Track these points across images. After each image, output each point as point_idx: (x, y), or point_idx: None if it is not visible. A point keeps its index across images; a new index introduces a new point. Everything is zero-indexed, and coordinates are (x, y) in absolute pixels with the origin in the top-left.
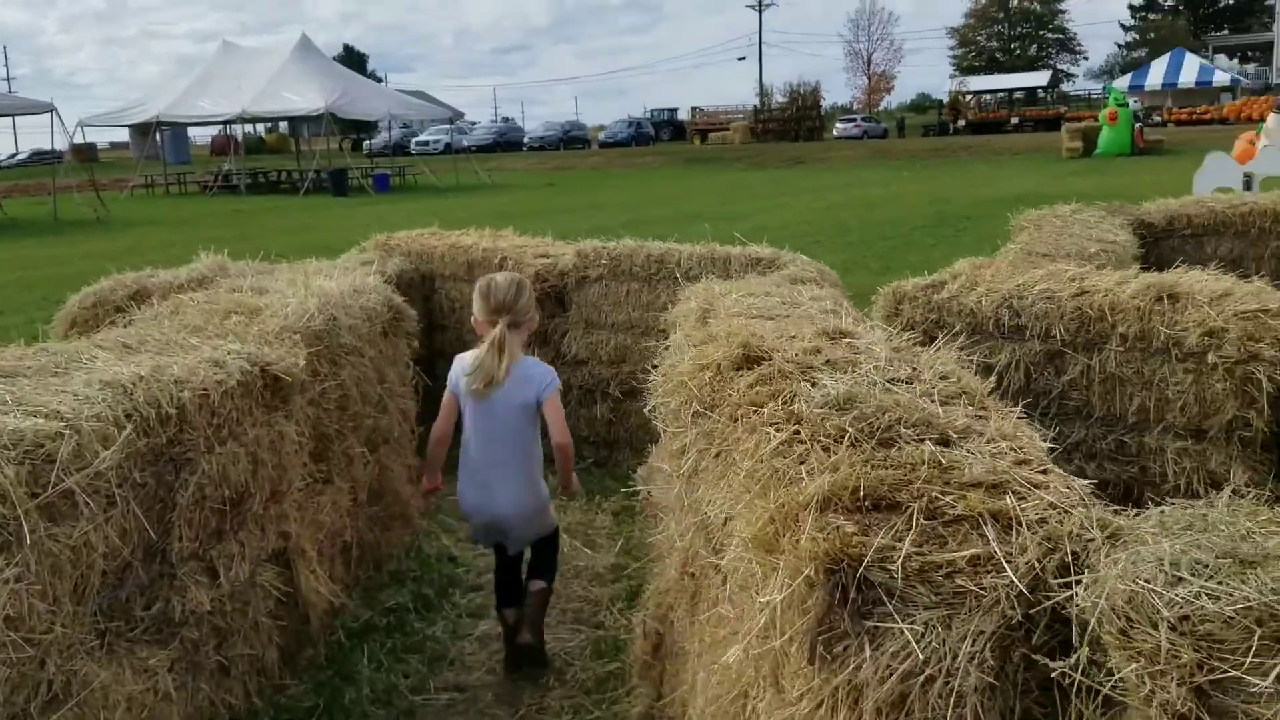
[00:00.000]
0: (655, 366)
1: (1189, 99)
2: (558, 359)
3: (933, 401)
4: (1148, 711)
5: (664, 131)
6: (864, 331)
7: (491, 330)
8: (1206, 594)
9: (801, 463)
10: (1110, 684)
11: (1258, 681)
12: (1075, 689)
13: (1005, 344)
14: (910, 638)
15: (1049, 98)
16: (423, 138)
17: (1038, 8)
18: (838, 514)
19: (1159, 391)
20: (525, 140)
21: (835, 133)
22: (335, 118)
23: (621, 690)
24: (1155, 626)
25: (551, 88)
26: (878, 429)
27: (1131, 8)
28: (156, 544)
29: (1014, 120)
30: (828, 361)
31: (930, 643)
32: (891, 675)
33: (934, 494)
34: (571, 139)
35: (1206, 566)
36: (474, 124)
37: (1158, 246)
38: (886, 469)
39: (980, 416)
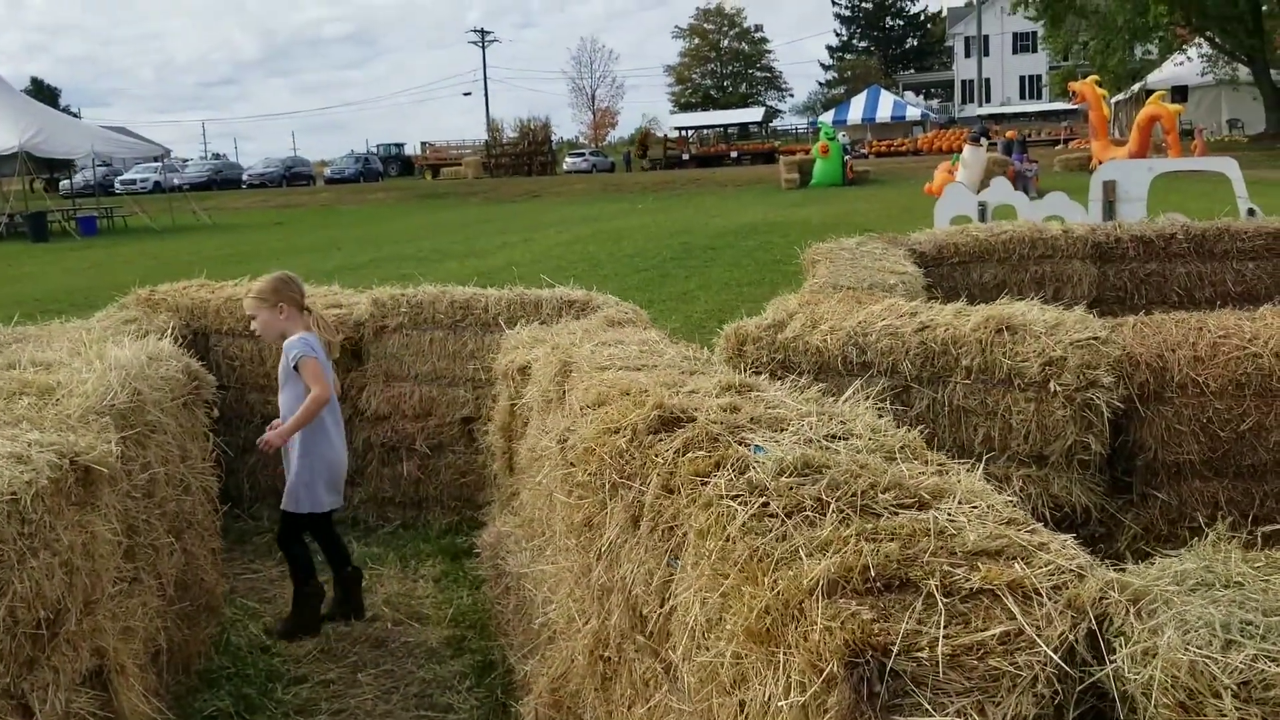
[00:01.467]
0: (469, 417)
1: (886, 132)
2: (356, 415)
3: (892, 461)
4: None
5: (392, 166)
6: (760, 383)
7: (306, 313)
8: (1266, 656)
9: (782, 540)
10: None
11: None
12: None
13: (852, 381)
14: None
15: (763, 132)
16: (129, 176)
17: (746, 48)
18: (849, 598)
19: (1003, 421)
20: (245, 177)
21: (565, 167)
22: (31, 156)
23: None
24: (1219, 695)
25: (266, 122)
26: (854, 495)
27: (829, 48)
28: None
29: (733, 154)
30: (752, 419)
31: None
32: None
33: (944, 567)
34: (295, 175)
35: (1257, 627)
36: (185, 161)
37: (930, 273)
38: (888, 543)
39: (940, 473)
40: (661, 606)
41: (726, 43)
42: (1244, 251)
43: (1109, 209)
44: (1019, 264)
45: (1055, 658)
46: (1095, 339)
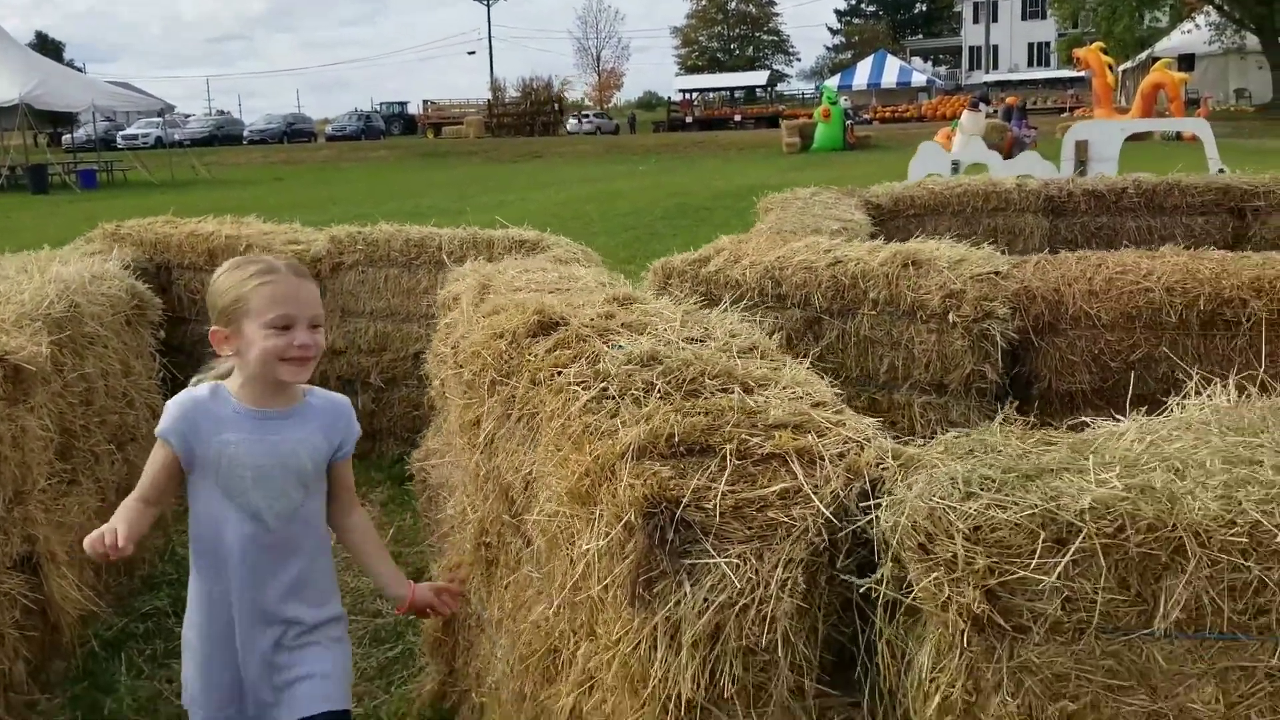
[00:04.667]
0: (421, 351)
1: (891, 98)
2: None
3: (730, 356)
4: (945, 616)
5: (395, 125)
6: (644, 297)
7: None
8: (996, 505)
9: (613, 416)
10: (911, 595)
11: (1042, 578)
12: (879, 603)
13: (769, 313)
14: (726, 570)
15: (768, 96)
16: (130, 131)
17: (753, 10)
18: (654, 460)
19: (906, 351)
20: (246, 133)
21: (569, 128)
22: (31, 110)
23: (408, 672)
24: (951, 537)
25: (271, 79)
26: (684, 381)
27: (838, 12)
28: None
29: (737, 118)
30: (624, 325)
31: (745, 573)
32: (709, 607)
33: (743, 436)
34: (296, 132)
35: (994, 481)
36: (187, 116)
37: (885, 226)
38: (697, 416)
39: (774, 367)
40: (525, 490)
41: (734, 5)
42: (1193, 206)
43: (1081, 168)
44: (973, 217)
45: (826, 512)
46: (995, 273)
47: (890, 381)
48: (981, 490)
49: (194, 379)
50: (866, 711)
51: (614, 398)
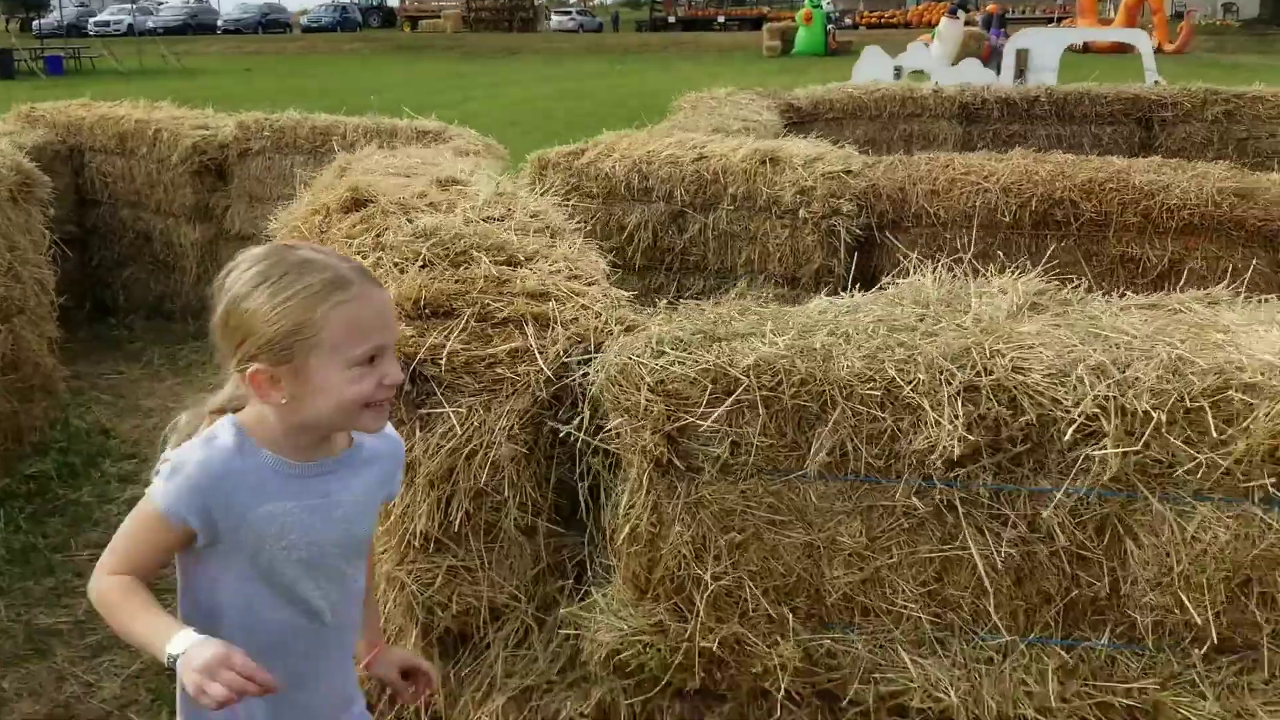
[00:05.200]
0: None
1: (879, 4)
2: (220, 235)
3: (515, 233)
4: (633, 459)
5: (373, 17)
6: (477, 181)
7: None
8: (677, 362)
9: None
10: (605, 440)
11: (709, 425)
12: (583, 447)
13: (636, 206)
14: (455, 420)
15: None
16: (102, 18)
17: None
18: (399, 321)
19: (762, 245)
20: (220, 23)
21: (551, 25)
22: None
23: None
24: (638, 388)
25: None
26: (453, 253)
27: None
28: None
29: (720, 19)
30: (431, 204)
31: (472, 422)
32: (441, 451)
33: (487, 302)
34: (271, 22)
35: (684, 342)
36: (161, 3)
37: (805, 129)
38: (449, 283)
39: (552, 245)
40: None
41: None
42: (1102, 116)
43: (1021, 78)
44: (889, 122)
45: (547, 371)
46: (846, 172)
47: (748, 275)
48: (670, 350)
49: (183, 415)
50: (588, 546)
51: (387, 266)
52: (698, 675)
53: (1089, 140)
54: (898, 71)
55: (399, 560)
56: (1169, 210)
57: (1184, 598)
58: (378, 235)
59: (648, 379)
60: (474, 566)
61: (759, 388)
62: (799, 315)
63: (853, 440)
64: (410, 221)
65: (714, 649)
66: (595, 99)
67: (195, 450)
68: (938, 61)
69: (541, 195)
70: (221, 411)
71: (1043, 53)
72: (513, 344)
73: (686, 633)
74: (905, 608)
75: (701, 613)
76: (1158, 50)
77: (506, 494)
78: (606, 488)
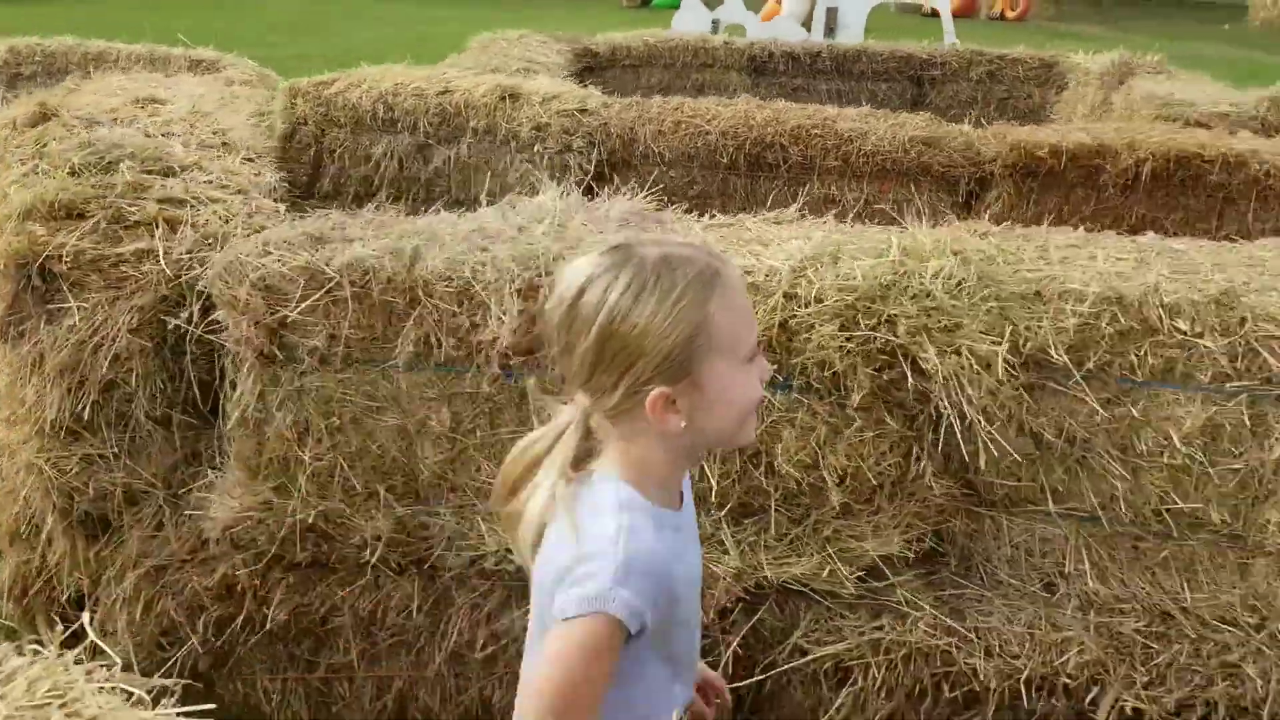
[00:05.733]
0: None
1: None
2: None
3: (186, 148)
4: (239, 349)
5: None
6: (176, 100)
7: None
8: (278, 261)
9: (26, 188)
10: (215, 332)
11: (305, 319)
12: (218, 346)
13: (382, 136)
14: (79, 315)
15: None
16: None
17: None
18: (34, 222)
19: (502, 178)
20: None
21: None
22: None
23: None
24: (242, 284)
25: None
26: (106, 161)
27: None
28: None
29: None
30: (117, 119)
31: (97, 318)
32: (67, 344)
33: (118, 203)
34: None
35: (290, 244)
36: None
37: (603, 75)
38: (88, 189)
39: (220, 158)
40: None
41: None
42: (878, 73)
43: (830, 34)
44: (682, 71)
45: (168, 269)
46: (581, 110)
47: (489, 205)
48: (276, 250)
49: (542, 490)
50: (221, 435)
51: (38, 173)
52: (304, 548)
53: (865, 95)
54: (715, 25)
55: (37, 449)
56: (865, 155)
57: (706, 469)
58: (43, 145)
59: (250, 276)
60: (109, 455)
61: (350, 284)
62: (407, 224)
63: (435, 334)
64: (90, 132)
65: (317, 523)
66: (445, 42)
67: (622, 537)
68: (788, 20)
69: (294, 124)
70: (577, 467)
71: (849, 10)
72: (139, 245)
73: (289, 509)
74: (486, 483)
75: (304, 490)
76: (1000, 17)
77: (135, 386)
78: (234, 381)
